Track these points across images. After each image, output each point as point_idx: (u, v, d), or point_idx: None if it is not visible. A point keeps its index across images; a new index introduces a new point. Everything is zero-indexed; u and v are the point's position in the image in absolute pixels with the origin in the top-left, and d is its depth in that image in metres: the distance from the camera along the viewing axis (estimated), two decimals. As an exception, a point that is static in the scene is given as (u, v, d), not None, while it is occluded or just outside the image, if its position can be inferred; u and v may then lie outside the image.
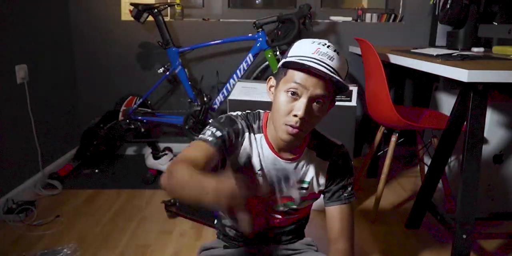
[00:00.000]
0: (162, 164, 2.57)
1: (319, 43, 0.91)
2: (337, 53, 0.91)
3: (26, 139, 2.25)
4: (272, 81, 0.98)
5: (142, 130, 2.70)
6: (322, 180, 1.05)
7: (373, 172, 2.60)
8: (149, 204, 2.20)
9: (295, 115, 0.89)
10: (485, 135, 1.82)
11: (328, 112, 0.98)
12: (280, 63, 0.94)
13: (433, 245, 1.85)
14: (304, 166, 1.03)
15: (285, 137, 0.92)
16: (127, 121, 2.69)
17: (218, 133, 0.95)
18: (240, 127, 1.00)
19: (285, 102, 0.90)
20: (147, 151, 2.65)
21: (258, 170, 1.02)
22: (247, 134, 1.00)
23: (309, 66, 0.86)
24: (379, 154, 2.52)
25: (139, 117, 2.69)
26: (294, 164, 1.02)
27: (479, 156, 1.52)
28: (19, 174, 2.21)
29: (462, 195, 1.52)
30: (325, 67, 0.87)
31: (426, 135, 2.60)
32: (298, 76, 0.89)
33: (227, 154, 0.98)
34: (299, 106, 0.88)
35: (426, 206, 1.88)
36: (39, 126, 2.32)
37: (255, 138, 1.01)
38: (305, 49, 0.90)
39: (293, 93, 0.89)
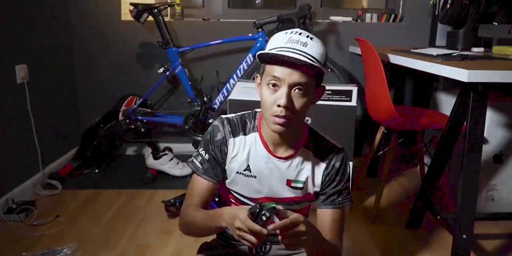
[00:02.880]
0: (162, 164, 2.57)
1: (291, 32, 0.92)
2: (311, 38, 0.91)
3: (26, 139, 2.25)
4: (258, 78, 1.00)
5: (142, 130, 2.70)
6: (317, 181, 1.05)
7: (373, 172, 2.60)
8: (149, 204, 2.20)
9: (279, 105, 0.90)
10: (485, 135, 1.82)
11: (320, 98, 1.00)
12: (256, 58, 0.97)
13: (433, 245, 1.85)
14: (299, 165, 1.03)
15: (275, 127, 0.94)
16: (127, 121, 2.69)
17: (207, 156, 1.05)
18: (220, 137, 1.04)
19: (268, 94, 0.93)
20: (147, 151, 2.65)
21: (244, 170, 1.04)
22: (231, 140, 1.04)
23: (273, 54, 0.88)
24: (379, 154, 2.52)
25: (139, 117, 2.69)
26: (288, 162, 1.02)
27: (479, 156, 1.52)
28: (19, 174, 2.21)
29: (462, 195, 1.52)
30: (297, 53, 0.88)
31: (426, 135, 2.60)
32: (273, 68, 0.91)
33: (224, 161, 1.05)
34: (280, 96, 0.90)
35: (426, 206, 1.88)
36: (39, 126, 2.32)
37: (246, 139, 1.04)
38: (279, 41, 0.92)
39: (274, 85, 0.92)
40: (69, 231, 1.91)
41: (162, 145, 2.88)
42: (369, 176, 2.59)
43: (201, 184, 1.06)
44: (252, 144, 1.03)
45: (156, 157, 2.58)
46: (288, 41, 0.90)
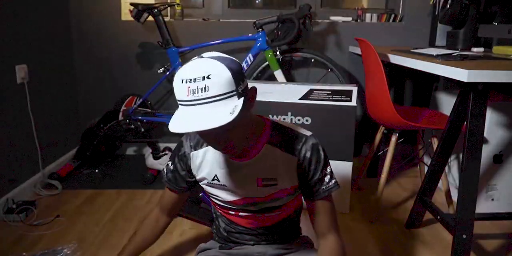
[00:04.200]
0: (162, 164, 2.57)
1: (186, 81, 0.85)
2: (208, 77, 0.83)
3: (26, 139, 2.25)
4: None
5: (142, 130, 2.70)
6: (293, 176, 1.03)
7: (373, 172, 2.60)
8: (149, 204, 2.20)
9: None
10: (485, 135, 1.82)
11: (254, 98, 0.95)
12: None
13: (433, 245, 1.85)
14: (266, 163, 1.02)
15: (227, 155, 1.02)
16: (127, 121, 2.69)
17: (172, 167, 1.13)
18: (183, 152, 1.09)
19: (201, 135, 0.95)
20: (147, 151, 2.65)
21: (212, 180, 1.07)
22: (192, 153, 1.08)
23: (182, 133, 0.91)
24: (379, 154, 2.52)
25: (139, 117, 2.69)
26: (253, 162, 1.02)
27: (479, 156, 1.52)
28: (19, 174, 2.21)
29: (462, 195, 1.52)
30: (205, 103, 0.83)
31: (426, 135, 2.60)
32: None
33: (191, 174, 1.11)
34: (212, 145, 0.95)
35: (426, 206, 1.88)
36: (39, 126, 2.32)
37: (208, 150, 1.06)
38: (180, 92, 0.86)
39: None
40: (69, 231, 1.91)
41: (162, 145, 2.88)
42: (369, 176, 2.59)
43: (165, 192, 1.19)
44: (215, 154, 1.05)
45: (156, 157, 2.58)
46: (189, 93, 0.84)
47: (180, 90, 0.86)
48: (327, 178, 1.04)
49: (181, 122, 0.84)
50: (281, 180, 1.04)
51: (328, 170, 1.05)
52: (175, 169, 1.12)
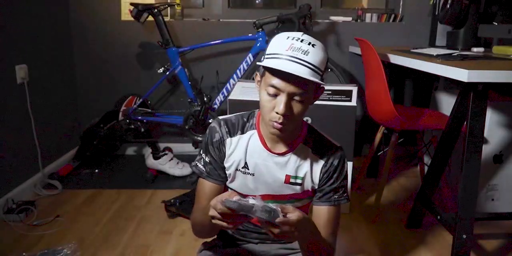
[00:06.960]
0: (162, 164, 2.57)
1: (293, 38, 0.91)
2: (313, 45, 0.90)
3: (26, 139, 2.25)
4: (258, 76, 1.00)
5: (142, 130, 2.70)
6: (316, 178, 1.06)
7: (373, 172, 2.60)
8: (149, 204, 2.20)
9: (277, 112, 0.92)
10: (485, 135, 1.82)
11: (318, 98, 1.01)
12: (259, 62, 0.96)
13: (433, 245, 1.85)
14: (298, 161, 1.04)
15: (272, 131, 0.96)
16: (127, 121, 2.69)
17: (208, 159, 1.08)
18: (218, 138, 1.06)
19: (267, 100, 0.93)
20: (147, 151, 2.65)
21: (242, 168, 1.06)
22: (228, 140, 1.06)
23: (280, 71, 0.88)
24: (379, 154, 2.52)
25: (139, 117, 2.69)
26: (286, 158, 1.03)
27: (479, 156, 1.52)
28: (19, 174, 2.21)
29: (462, 195, 1.52)
30: (299, 63, 0.88)
31: (426, 135, 2.60)
32: (273, 79, 0.91)
33: (223, 161, 1.08)
34: (279, 105, 0.91)
35: (426, 206, 1.88)
36: (39, 126, 2.32)
37: (243, 138, 1.06)
38: (280, 46, 0.91)
39: (273, 93, 0.92)
40: (69, 231, 1.91)
41: (162, 145, 2.88)
42: (369, 176, 2.59)
43: (207, 187, 1.08)
44: (250, 142, 1.05)
45: (156, 157, 2.58)
46: (289, 48, 0.89)
47: (281, 44, 0.91)
48: (342, 190, 1.07)
49: (279, 65, 0.88)
50: (306, 182, 1.06)
51: (346, 183, 1.09)
52: (212, 158, 1.07)
